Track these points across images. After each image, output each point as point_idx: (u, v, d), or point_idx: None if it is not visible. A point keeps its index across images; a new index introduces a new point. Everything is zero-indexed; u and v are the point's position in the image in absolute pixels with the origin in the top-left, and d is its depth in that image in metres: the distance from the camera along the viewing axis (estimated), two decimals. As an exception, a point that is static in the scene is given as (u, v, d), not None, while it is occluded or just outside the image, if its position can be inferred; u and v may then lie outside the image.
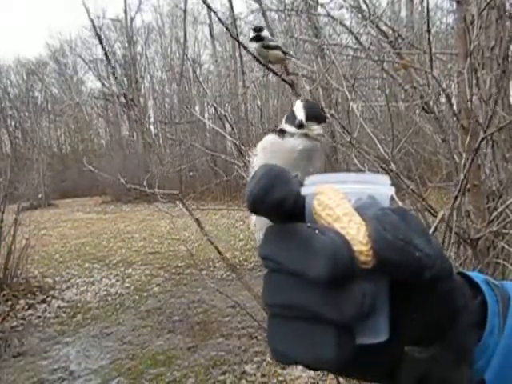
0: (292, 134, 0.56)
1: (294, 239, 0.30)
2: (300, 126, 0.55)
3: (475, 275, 0.37)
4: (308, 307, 0.29)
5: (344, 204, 0.30)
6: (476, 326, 0.34)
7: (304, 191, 0.32)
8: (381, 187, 0.33)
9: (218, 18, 1.72)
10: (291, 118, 0.56)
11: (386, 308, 0.31)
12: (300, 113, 0.55)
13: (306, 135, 0.55)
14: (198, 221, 1.24)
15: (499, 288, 0.36)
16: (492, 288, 0.36)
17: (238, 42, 1.75)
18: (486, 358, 0.33)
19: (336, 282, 0.27)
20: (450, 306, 0.32)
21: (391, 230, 0.28)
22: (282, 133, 0.57)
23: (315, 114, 0.56)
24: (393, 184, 0.33)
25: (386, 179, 0.33)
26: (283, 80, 1.80)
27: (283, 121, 0.59)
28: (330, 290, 0.28)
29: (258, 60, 1.72)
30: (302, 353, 0.30)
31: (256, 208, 0.31)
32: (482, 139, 1.14)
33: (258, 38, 1.76)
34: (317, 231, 0.29)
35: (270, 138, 0.58)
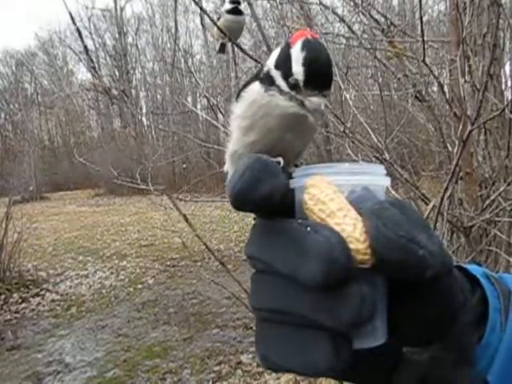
0: (282, 91, 0.37)
1: (284, 238, 0.28)
2: (295, 86, 0.36)
3: (473, 268, 0.35)
4: (300, 313, 0.27)
5: (338, 198, 0.27)
6: (476, 323, 0.32)
7: (293, 184, 0.30)
8: (376, 178, 0.30)
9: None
10: (283, 64, 0.37)
11: (384, 309, 0.29)
12: (297, 66, 0.35)
13: (301, 102, 0.37)
14: (185, 217, 1.23)
15: (499, 281, 0.34)
16: (491, 282, 0.33)
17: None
18: (488, 358, 0.31)
19: (331, 285, 0.25)
20: (450, 303, 0.30)
21: (392, 226, 0.26)
22: (269, 82, 0.38)
23: (320, 75, 0.35)
24: (388, 174, 0.31)
25: (381, 169, 0.31)
26: (255, 60, 1.70)
27: (272, 59, 0.39)
28: (325, 294, 0.26)
29: (225, 35, 1.50)
30: (294, 361, 0.27)
31: (240, 205, 0.29)
32: (472, 130, 1.14)
33: (235, 11, 1.54)
34: (309, 229, 0.26)
35: (255, 88, 0.39)
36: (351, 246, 0.26)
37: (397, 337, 0.30)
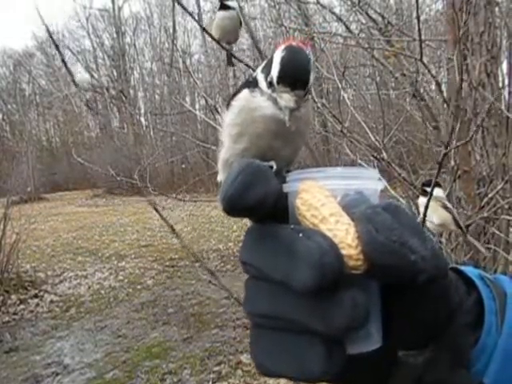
0: (262, 92, 0.38)
1: (276, 244, 0.28)
2: (271, 84, 0.38)
3: (469, 270, 0.35)
4: (293, 318, 0.27)
5: (330, 203, 0.28)
6: (472, 325, 0.32)
7: (286, 188, 0.30)
8: (369, 182, 0.30)
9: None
10: (268, 67, 0.38)
11: (378, 313, 0.29)
12: (275, 66, 0.37)
13: (275, 100, 0.38)
14: (172, 228, 1.22)
15: (494, 283, 0.34)
16: (487, 284, 0.33)
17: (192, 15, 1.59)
18: (484, 360, 0.31)
19: (323, 291, 0.25)
20: (445, 306, 0.30)
21: (383, 230, 0.26)
22: (254, 85, 0.39)
23: (293, 73, 0.36)
24: (381, 178, 0.31)
25: (374, 173, 0.31)
26: (247, 65, 1.66)
27: (261, 65, 0.41)
28: (317, 300, 0.26)
29: (213, 38, 1.45)
30: (288, 366, 0.27)
31: (232, 210, 0.29)
32: (447, 152, 1.14)
33: (223, 7, 1.47)
34: (301, 234, 0.26)
35: (244, 95, 0.41)
36: (343, 251, 0.26)
37: (393, 340, 0.30)
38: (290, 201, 0.30)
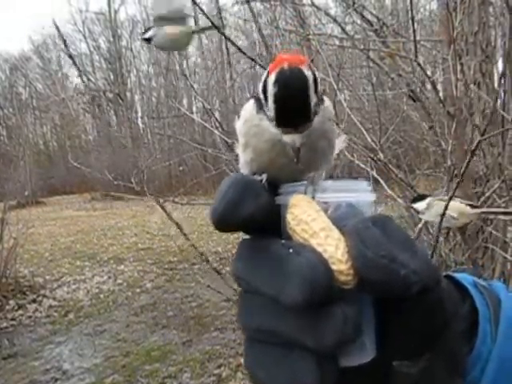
0: (268, 117, 0.34)
1: (267, 259, 0.28)
2: (273, 120, 0.33)
3: (463, 277, 0.35)
4: (284, 333, 0.27)
5: (320, 217, 0.28)
6: (467, 332, 0.32)
7: (278, 201, 0.30)
8: (361, 195, 0.30)
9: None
10: (265, 93, 0.34)
11: (371, 325, 0.29)
12: (271, 101, 0.32)
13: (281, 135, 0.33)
14: (178, 225, 1.23)
15: (488, 290, 0.34)
16: (481, 291, 0.33)
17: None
18: (479, 369, 0.31)
19: (313, 306, 0.25)
20: (440, 314, 0.30)
21: (372, 246, 0.26)
22: (259, 105, 0.35)
23: (291, 114, 0.32)
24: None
25: (366, 185, 0.31)
26: (240, 50, 1.65)
27: (261, 82, 0.35)
28: (308, 315, 0.26)
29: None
30: (281, 379, 0.27)
31: (222, 227, 0.29)
32: (481, 140, 1.14)
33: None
34: (291, 250, 0.27)
35: (249, 107, 0.37)
36: (333, 266, 0.26)
37: (389, 350, 0.30)
38: (282, 213, 0.30)
